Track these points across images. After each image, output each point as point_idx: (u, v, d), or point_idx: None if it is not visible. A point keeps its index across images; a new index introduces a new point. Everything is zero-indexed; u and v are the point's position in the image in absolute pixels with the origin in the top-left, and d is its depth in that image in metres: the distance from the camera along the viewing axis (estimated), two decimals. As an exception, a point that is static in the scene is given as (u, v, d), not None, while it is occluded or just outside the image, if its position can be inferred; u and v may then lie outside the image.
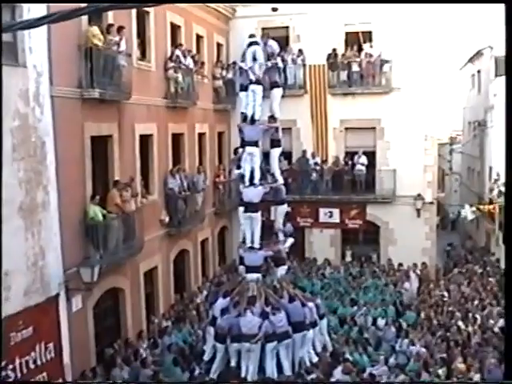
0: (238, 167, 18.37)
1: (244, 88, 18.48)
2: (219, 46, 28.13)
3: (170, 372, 16.46)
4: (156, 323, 19.89)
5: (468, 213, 34.31)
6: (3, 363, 12.50)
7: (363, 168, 27.36)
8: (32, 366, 13.53)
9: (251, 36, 18.98)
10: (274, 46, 19.23)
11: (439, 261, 30.68)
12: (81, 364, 15.67)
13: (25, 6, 13.26)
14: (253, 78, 18.01)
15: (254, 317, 16.34)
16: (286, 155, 26.59)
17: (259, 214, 17.95)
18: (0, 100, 10.37)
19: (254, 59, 18.27)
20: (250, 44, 18.53)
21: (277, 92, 18.93)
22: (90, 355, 16.46)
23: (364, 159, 27.43)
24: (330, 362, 16.83)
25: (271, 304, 16.94)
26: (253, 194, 17.69)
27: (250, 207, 17.76)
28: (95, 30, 16.09)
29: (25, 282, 13.45)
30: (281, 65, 20.50)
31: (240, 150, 18.34)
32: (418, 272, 25.89)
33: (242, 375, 16.09)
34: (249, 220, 17.91)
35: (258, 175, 17.89)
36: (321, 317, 18.35)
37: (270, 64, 18.58)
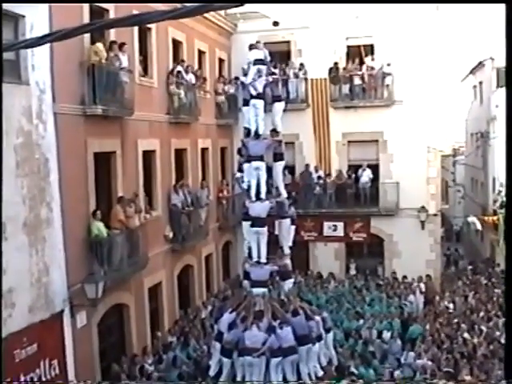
0: (243, 182, 18.40)
1: (246, 103, 18.52)
2: (221, 61, 28.23)
3: (175, 388, 16.43)
4: (161, 339, 19.84)
5: (476, 221, 34.36)
6: (8, 380, 12.46)
7: (368, 181, 27.37)
8: (37, 383, 13.48)
9: (252, 46, 18.94)
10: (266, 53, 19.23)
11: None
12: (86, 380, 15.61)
13: (27, 23, 13.37)
14: (254, 92, 18.04)
15: (259, 332, 16.29)
16: (289, 169, 26.61)
17: (266, 228, 17.93)
18: (0, 117, 10.42)
19: (258, 76, 18.29)
20: (256, 62, 18.55)
21: (278, 106, 18.95)
22: (94, 371, 16.42)
23: (369, 172, 27.44)
24: (336, 376, 16.74)
25: (278, 318, 16.90)
26: (260, 208, 17.67)
27: (258, 222, 17.71)
28: (99, 46, 16.18)
29: (29, 299, 13.45)
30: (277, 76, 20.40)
31: (245, 165, 18.34)
32: (423, 284, 25.80)
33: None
34: (255, 235, 17.87)
35: (264, 189, 17.90)
36: (327, 330, 18.28)
37: (271, 79, 18.62)
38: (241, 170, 19.05)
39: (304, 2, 26.38)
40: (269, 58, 19.23)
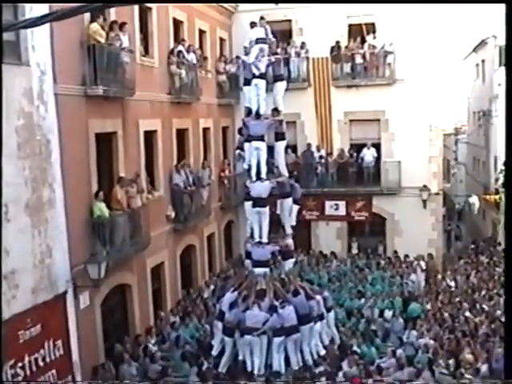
0: (243, 158, 18.42)
1: (248, 82, 18.47)
2: (222, 40, 28.11)
3: (178, 367, 16.51)
4: (163, 319, 19.92)
5: (476, 201, 34.38)
6: (12, 361, 12.55)
7: (373, 160, 27.33)
8: (41, 363, 13.56)
9: (253, 24, 18.83)
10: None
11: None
12: (89, 361, 15.71)
13: (27, 4, 13.27)
14: (256, 72, 17.98)
15: (259, 311, 16.38)
16: (291, 149, 26.62)
17: (267, 208, 17.95)
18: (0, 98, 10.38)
19: (261, 56, 18.22)
20: (258, 41, 18.46)
21: (280, 85, 18.91)
22: (98, 352, 16.50)
23: (373, 151, 27.40)
24: (338, 355, 16.84)
25: (280, 298, 16.97)
26: (261, 188, 17.68)
27: (259, 202, 17.75)
28: (94, 26, 16.05)
29: (32, 280, 13.48)
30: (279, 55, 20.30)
31: (245, 144, 18.32)
32: (424, 263, 25.84)
33: (249, 369, 16.12)
34: (257, 215, 17.91)
35: (264, 169, 17.89)
36: (328, 310, 18.38)
37: (273, 58, 18.54)
38: (239, 148, 19.07)
39: (305, 2, 26.63)
40: (271, 36, 19.15)
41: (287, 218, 18.97)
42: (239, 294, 17.27)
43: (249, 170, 18.14)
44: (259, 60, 18.04)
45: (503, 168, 29.09)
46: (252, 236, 18.22)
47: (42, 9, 13.03)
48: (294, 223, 19.04)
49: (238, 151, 19.50)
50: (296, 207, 19.09)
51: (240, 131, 19.10)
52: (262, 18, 19.12)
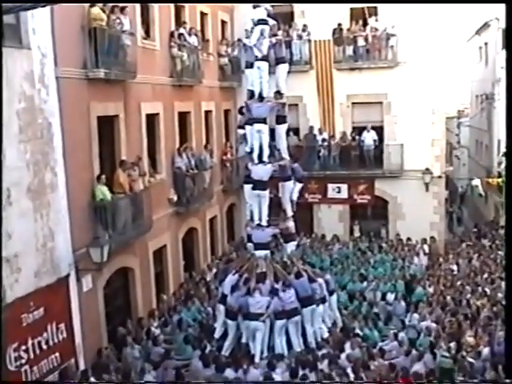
0: (245, 139, 18.39)
1: (250, 65, 18.38)
2: (224, 23, 27.98)
3: (181, 350, 16.57)
4: (166, 302, 19.97)
5: (479, 184, 34.33)
6: (16, 344, 12.60)
7: (373, 143, 27.29)
8: (44, 346, 13.61)
9: (255, 5, 18.70)
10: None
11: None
12: (92, 344, 15.76)
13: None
14: (258, 54, 17.90)
15: (262, 297, 16.41)
16: (293, 131, 26.57)
17: (267, 191, 17.93)
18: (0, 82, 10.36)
19: (263, 38, 18.13)
20: (259, 22, 18.36)
21: (283, 68, 18.83)
22: (101, 335, 16.56)
23: (373, 134, 27.35)
24: (341, 338, 16.89)
25: (281, 280, 17.00)
26: (263, 171, 17.66)
27: (259, 185, 17.73)
28: (95, 10, 15.98)
29: (35, 264, 13.50)
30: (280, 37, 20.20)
31: (246, 126, 18.28)
32: (427, 246, 25.87)
33: (252, 352, 16.17)
34: (257, 198, 17.90)
35: (266, 152, 17.86)
36: (330, 293, 18.41)
37: (274, 40, 18.45)
38: (240, 127, 18.99)
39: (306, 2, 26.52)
40: (272, 20, 19.02)
41: (288, 200, 18.96)
42: (240, 277, 17.30)
43: (251, 152, 18.10)
44: (261, 42, 17.96)
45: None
46: (252, 219, 18.23)
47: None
48: (295, 198, 18.99)
49: (239, 131, 19.43)
50: (299, 185, 19.05)
51: (241, 110, 19.02)
52: (257, 5, 18.97)
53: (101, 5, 16.29)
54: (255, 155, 17.84)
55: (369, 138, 27.34)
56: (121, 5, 17.32)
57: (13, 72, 12.75)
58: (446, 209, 33.77)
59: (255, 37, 18.20)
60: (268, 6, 18.78)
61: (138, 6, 19.16)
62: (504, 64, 30.37)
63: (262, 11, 18.51)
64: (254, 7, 18.65)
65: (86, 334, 15.48)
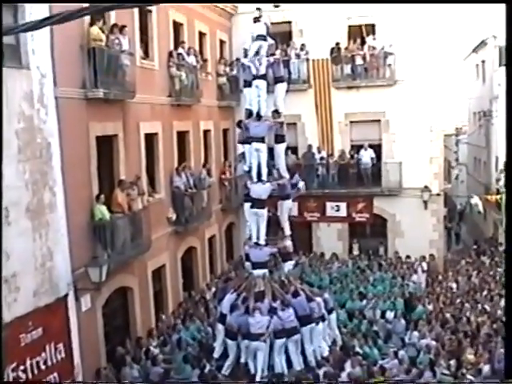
0: (244, 162, 18.41)
1: (248, 84, 18.45)
2: (222, 42, 28.13)
3: (180, 369, 16.49)
4: (165, 321, 19.92)
5: (478, 201, 34.32)
6: (14, 364, 12.55)
7: (370, 161, 27.33)
8: (43, 366, 13.56)
9: (256, 19, 18.76)
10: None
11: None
12: (91, 364, 15.71)
13: (27, 7, 13.28)
14: (254, 71, 17.92)
15: (262, 317, 16.36)
16: (292, 150, 26.63)
17: (266, 210, 17.95)
18: (0, 102, 10.38)
19: (257, 53, 18.22)
20: (258, 38, 18.45)
21: (281, 87, 18.89)
22: (100, 355, 16.51)
23: (371, 152, 27.39)
24: (341, 356, 16.83)
25: (280, 300, 16.96)
26: (261, 190, 17.68)
27: (258, 203, 17.75)
28: (94, 30, 16.08)
29: (33, 283, 13.48)
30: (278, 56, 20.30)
31: (244, 145, 18.33)
32: (426, 264, 25.84)
33: (252, 372, 16.11)
34: (255, 216, 17.91)
35: (265, 171, 17.89)
36: (329, 311, 18.35)
37: (272, 59, 18.53)
38: (240, 142, 18.94)
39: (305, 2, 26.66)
40: (271, 39, 19.09)
41: (286, 219, 18.98)
42: (238, 296, 17.27)
43: (249, 171, 18.14)
44: (260, 61, 18.02)
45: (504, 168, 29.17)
46: (251, 237, 18.23)
47: (42, 12, 13.07)
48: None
49: (239, 147, 19.43)
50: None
51: (239, 125, 18.99)
52: (258, 9, 19.05)
53: (100, 24, 16.38)
54: (254, 174, 17.87)
55: (366, 156, 27.38)
56: (120, 24, 17.42)
57: (12, 92, 12.81)
58: (445, 226, 33.79)
59: (253, 51, 18.28)
60: (268, 20, 18.85)
61: (136, 26, 19.28)
62: (502, 81, 30.61)
63: (261, 26, 18.59)
64: (255, 21, 18.73)
65: (85, 353, 15.43)
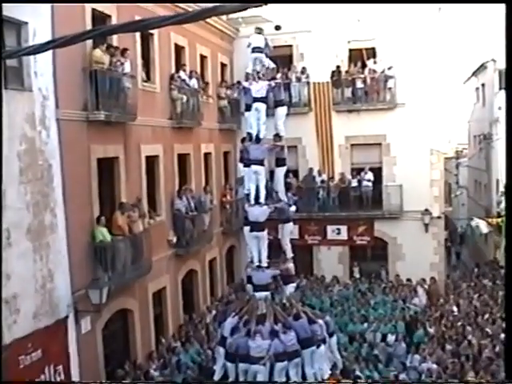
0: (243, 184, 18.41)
1: (249, 108, 18.51)
2: (223, 65, 28.28)
3: (180, 393, 16.43)
4: (165, 344, 19.83)
5: (480, 224, 34.21)
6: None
7: (370, 184, 27.34)
8: (41, 385, 13.54)
9: (258, 29, 18.83)
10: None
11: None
12: (91, 386, 15.65)
13: (30, 29, 13.41)
14: (254, 93, 17.96)
15: (263, 340, 16.29)
16: (293, 173, 26.67)
17: (265, 232, 17.93)
18: (0, 122, 10.44)
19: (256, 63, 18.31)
20: (254, 50, 18.53)
21: (281, 110, 18.95)
22: (99, 377, 16.39)
23: (370, 175, 27.42)
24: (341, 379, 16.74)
25: (281, 322, 16.89)
26: (259, 212, 17.65)
27: (256, 226, 17.72)
28: (96, 53, 16.20)
29: (33, 305, 13.47)
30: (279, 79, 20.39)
31: (244, 168, 18.35)
32: (427, 287, 25.75)
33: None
34: (255, 239, 17.88)
35: (263, 194, 17.88)
36: (330, 334, 18.26)
37: (273, 83, 18.61)
38: (242, 151, 18.83)
39: (308, 2, 26.65)
40: (271, 63, 19.17)
41: (288, 242, 18.95)
42: (240, 319, 17.20)
43: (248, 194, 18.15)
44: (260, 85, 18.07)
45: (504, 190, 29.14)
46: (252, 260, 18.18)
47: (45, 35, 13.19)
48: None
49: (239, 175, 19.42)
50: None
51: (243, 141, 19.00)
52: (258, 28, 19.15)
53: (103, 47, 16.49)
54: (252, 197, 17.86)
55: (366, 179, 27.39)
56: (122, 47, 17.53)
57: (14, 114, 12.90)
58: (446, 246, 33.71)
59: (252, 65, 18.36)
60: (269, 41, 18.95)
61: (138, 48, 19.42)
62: (502, 104, 30.68)
63: (260, 39, 18.65)
64: (256, 32, 18.80)
65: (85, 375, 15.36)
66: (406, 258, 27.40)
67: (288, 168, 19.61)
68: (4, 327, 12.16)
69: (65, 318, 14.66)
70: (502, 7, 7.12)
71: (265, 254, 17.78)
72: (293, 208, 18.99)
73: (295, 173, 27.87)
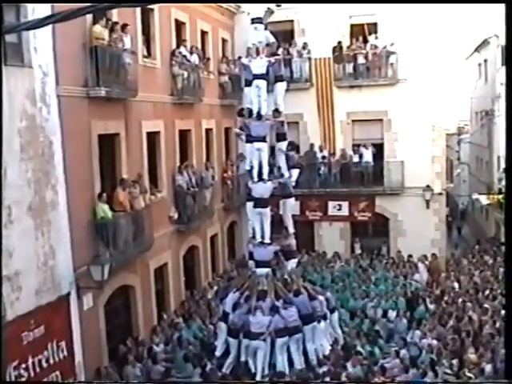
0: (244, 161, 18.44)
1: (248, 83, 18.46)
2: (224, 41, 28.11)
3: (181, 368, 16.50)
4: (167, 320, 19.92)
5: (480, 197, 34.25)
6: (16, 362, 12.57)
7: (371, 160, 27.29)
8: (45, 364, 13.60)
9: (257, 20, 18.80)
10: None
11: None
12: (93, 362, 15.75)
13: (29, 6, 13.29)
14: (254, 70, 17.91)
15: (263, 316, 16.38)
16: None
17: (269, 209, 17.95)
18: (0, 99, 10.37)
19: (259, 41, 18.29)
20: (253, 21, 18.50)
21: (281, 86, 18.93)
22: (101, 353, 16.53)
23: (370, 152, 27.33)
24: (342, 355, 16.83)
25: (282, 298, 16.96)
26: (262, 189, 17.69)
27: (260, 202, 17.76)
28: (97, 27, 16.08)
29: (36, 282, 13.50)
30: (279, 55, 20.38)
31: (246, 144, 18.33)
32: (428, 263, 25.80)
33: (253, 370, 16.12)
34: (258, 215, 17.92)
35: (266, 170, 17.88)
36: (331, 310, 18.37)
37: (273, 59, 18.54)
38: (241, 128, 18.77)
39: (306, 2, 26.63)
40: (272, 38, 19.08)
41: (289, 218, 18.98)
42: (241, 295, 17.28)
43: (250, 170, 18.14)
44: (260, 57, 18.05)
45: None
46: (254, 236, 18.22)
47: (45, 10, 13.07)
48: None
49: (240, 151, 19.42)
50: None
51: (240, 113, 18.96)
52: (268, 8, 19.08)
53: (103, 22, 16.37)
54: (255, 173, 17.86)
55: (367, 154, 27.34)
56: (122, 23, 17.41)
57: (14, 90, 12.83)
58: (448, 225, 33.75)
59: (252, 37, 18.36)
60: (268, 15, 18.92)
61: (139, 24, 19.28)
62: (504, 80, 30.48)
63: (260, 12, 18.68)
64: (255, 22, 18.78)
65: (87, 352, 15.46)
66: (407, 234, 27.44)
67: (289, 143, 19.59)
68: (7, 304, 12.22)
69: (67, 295, 14.69)
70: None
71: (268, 230, 17.84)
72: (296, 171, 19.02)
73: (297, 149, 27.75)
